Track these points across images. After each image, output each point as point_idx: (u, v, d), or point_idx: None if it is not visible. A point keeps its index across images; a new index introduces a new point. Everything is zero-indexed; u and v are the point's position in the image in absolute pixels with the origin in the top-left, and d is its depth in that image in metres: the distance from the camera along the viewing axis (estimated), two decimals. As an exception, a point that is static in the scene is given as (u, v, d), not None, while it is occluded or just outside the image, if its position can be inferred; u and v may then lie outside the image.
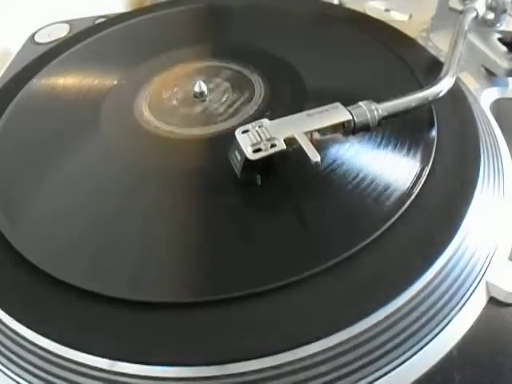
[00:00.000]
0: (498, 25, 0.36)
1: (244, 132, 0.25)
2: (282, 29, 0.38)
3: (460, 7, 0.36)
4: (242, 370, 0.20)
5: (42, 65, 0.37)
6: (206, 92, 0.32)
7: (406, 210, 0.24)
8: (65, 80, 0.36)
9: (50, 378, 0.22)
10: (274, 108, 0.30)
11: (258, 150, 0.24)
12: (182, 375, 0.20)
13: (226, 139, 0.26)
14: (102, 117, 0.32)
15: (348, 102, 0.26)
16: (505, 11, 0.36)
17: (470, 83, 0.35)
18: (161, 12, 0.42)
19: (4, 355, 0.23)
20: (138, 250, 0.25)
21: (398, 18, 0.44)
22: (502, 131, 0.31)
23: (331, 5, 0.44)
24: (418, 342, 0.22)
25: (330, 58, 0.35)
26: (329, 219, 0.24)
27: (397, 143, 0.27)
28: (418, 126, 0.28)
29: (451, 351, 0.22)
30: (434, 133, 0.28)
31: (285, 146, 0.24)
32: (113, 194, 0.28)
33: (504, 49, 0.35)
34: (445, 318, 0.22)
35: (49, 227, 0.26)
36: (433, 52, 0.35)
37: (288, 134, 0.25)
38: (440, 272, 0.23)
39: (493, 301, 0.24)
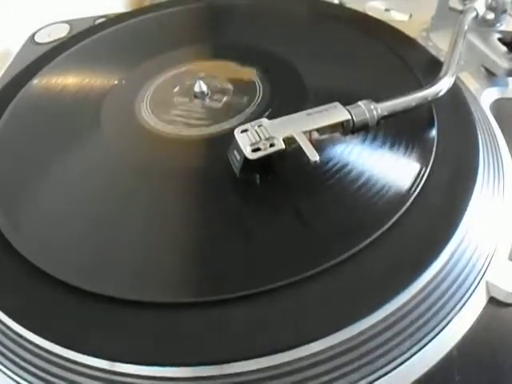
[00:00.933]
0: (498, 25, 0.36)
1: (243, 131, 0.25)
2: (282, 28, 0.38)
3: (460, 7, 0.36)
4: (241, 370, 0.20)
5: (42, 65, 0.37)
6: (206, 92, 0.32)
7: (405, 210, 0.24)
8: (65, 80, 0.36)
9: (49, 377, 0.22)
10: (274, 108, 0.30)
11: (257, 150, 0.24)
12: (181, 375, 0.20)
13: (226, 139, 0.26)
14: (102, 117, 0.32)
15: (348, 101, 0.26)
16: (505, 11, 0.36)
17: (470, 83, 0.35)
18: (161, 12, 0.42)
19: (4, 355, 0.23)
20: (137, 250, 0.25)
21: (398, 17, 0.44)
22: (502, 131, 0.31)
23: (331, 4, 0.44)
24: (417, 342, 0.22)
25: (330, 57, 0.35)
26: (328, 219, 0.24)
27: (397, 143, 0.27)
28: (418, 125, 0.28)
29: (451, 351, 0.22)
30: (433, 133, 0.28)
31: (284, 146, 0.24)
32: (113, 193, 0.28)
33: (504, 49, 0.35)
34: (445, 317, 0.22)
35: (49, 227, 0.26)
36: (433, 52, 0.35)
37: (287, 134, 0.25)
38: (440, 272, 0.23)
39: (493, 301, 0.24)
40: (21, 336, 0.22)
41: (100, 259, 0.24)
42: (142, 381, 0.21)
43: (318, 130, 0.25)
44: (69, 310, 0.22)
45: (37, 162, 0.30)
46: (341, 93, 0.29)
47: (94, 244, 0.25)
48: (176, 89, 0.33)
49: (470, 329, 0.23)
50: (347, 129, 0.26)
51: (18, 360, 0.23)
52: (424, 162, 0.26)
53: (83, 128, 0.31)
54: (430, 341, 0.22)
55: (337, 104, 0.26)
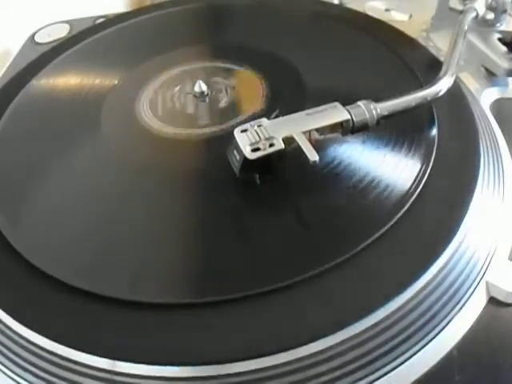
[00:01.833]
0: (498, 25, 0.36)
1: (243, 131, 0.25)
2: (282, 28, 0.38)
3: (460, 7, 0.36)
4: (241, 370, 0.20)
5: (42, 65, 0.37)
6: (206, 92, 0.32)
7: (405, 210, 0.24)
8: (65, 80, 0.36)
9: (50, 377, 0.22)
10: (274, 108, 0.30)
11: (256, 150, 0.24)
12: (181, 375, 0.20)
13: (226, 139, 0.26)
14: (102, 117, 0.32)
15: (348, 101, 0.26)
16: (505, 11, 0.36)
17: (470, 83, 0.35)
18: (161, 12, 0.42)
19: (4, 355, 0.23)
20: (137, 250, 0.25)
21: (398, 17, 0.44)
22: (502, 131, 0.31)
23: (331, 5, 0.44)
24: (417, 342, 0.22)
25: (331, 57, 0.35)
26: (328, 219, 0.24)
27: (397, 143, 0.27)
28: (418, 126, 0.28)
29: (451, 351, 0.22)
30: (434, 133, 0.28)
31: (283, 146, 0.24)
32: (113, 193, 0.28)
33: (504, 49, 0.35)
34: (445, 317, 0.22)
35: (49, 227, 0.26)
36: (433, 52, 0.35)
37: (286, 134, 0.25)
38: (440, 272, 0.23)
39: (493, 301, 0.24)
40: (21, 336, 0.22)
41: (100, 259, 0.24)
42: (141, 381, 0.21)
43: (317, 130, 0.25)
44: (69, 309, 0.22)
45: (36, 162, 0.30)
46: (341, 93, 0.29)
47: (94, 244, 0.25)
48: (176, 89, 0.33)
49: (470, 329, 0.23)
50: (347, 129, 0.26)
51: (18, 360, 0.23)
52: (424, 162, 0.26)
53: (83, 128, 0.31)
54: (430, 341, 0.22)
55: (336, 104, 0.26)
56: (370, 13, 0.42)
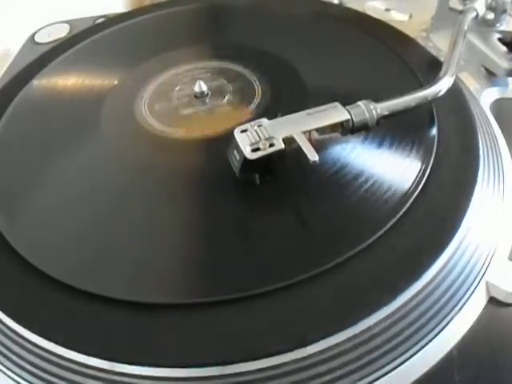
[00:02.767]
0: (498, 25, 0.36)
1: (243, 131, 0.25)
2: (282, 29, 0.38)
3: (460, 7, 0.36)
4: (241, 370, 0.20)
5: (42, 65, 0.37)
6: (206, 92, 0.32)
7: (405, 210, 0.24)
8: (65, 80, 0.36)
9: (50, 378, 0.22)
10: (274, 108, 0.30)
11: (256, 150, 0.24)
12: (182, 375, 0.20)
13: (226, 139, 0.26)
14: (102, 117, 0.32)
15: (349, 101, 0.26)
16: (505, 11, 0.36)
17: (470, 83, 0.35)
18: (160, 12, 0.42)
19: (4, 355, 0.23)
20: (137, 250, 0.25)
21: (398, 17, 0.44)
22: (502, 131, 0.31)
23: (331, 4, 0.44)
24: (418, 342, 0.22)
25: (331, 57, 0.35)
26: (328, 219, 0.24)
27: (397, 143, 0.27)
28: (418, 126, 0.28)
29: (451, 351, 0.22)
30: (434, 133, 0.28)
31: (283, 146, 0.24)
32: (112, 193, 0.28)
33: (504, 49, 0.35)
34: (445, 317, 0.22)
35: (48, 227, 0.26)
36: (433, 52, 0.35)
37: (286, 134, 0.25)
38: (440, 272, 0.23)
39: (493, 301, 0.24)
40: (20, 336, 0.22)
41: (100, 259, 0.24)
42: (142, 381, 0.21)
43: (317, 130, 0.25)
44: (68, 309, 0.22)
45: (36, 162, 0.30)
46: (341, 93, 0.29)
47: (93, 244, 0.25)
48: (176, 89, 0.33)
49: (470, 329, 0.23)
50: (347, 129, 0.26)
51: (18, 360, 0.23)
52: (424, 162, 0.26)
53: (83, 128, 0.31)
54: (430, 341, 0.22)
55: (336, 104, 0.26)
56: (369, 13, 0.42)
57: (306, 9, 0.39)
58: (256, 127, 0.25)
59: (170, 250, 0.25)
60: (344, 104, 0.26)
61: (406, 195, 0.25)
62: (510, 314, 0.23)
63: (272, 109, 0.30)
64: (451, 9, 0.37)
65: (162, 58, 0.36)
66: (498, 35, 0.36)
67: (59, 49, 0.39)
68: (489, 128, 0.30)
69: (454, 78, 0.29)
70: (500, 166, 0.28)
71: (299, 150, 0.24)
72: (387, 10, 0.45)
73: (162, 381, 0.21)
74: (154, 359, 0.21)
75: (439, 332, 0.22)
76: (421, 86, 0.29)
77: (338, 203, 0.25)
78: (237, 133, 0.25)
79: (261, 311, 0.21)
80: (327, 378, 0.20)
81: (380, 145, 0.27)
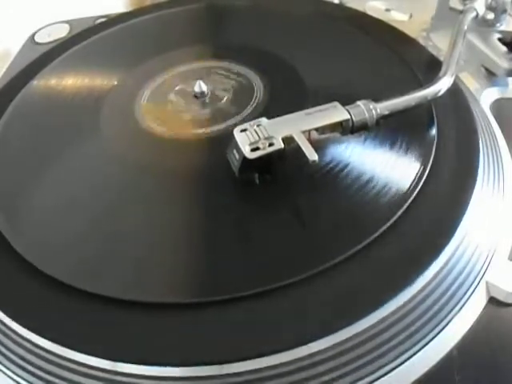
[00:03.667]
0: (498, 25, 0.36)
1: (242, 131, 0.25)
2: (282, 28, 0.38)
3: (460, 7, 0.36)
4: (241, 370, 0.20)
5: (42, 65, 0.37)
6: (206, 92, 0.32)
7: (405, 210, 0.24)
8: (65, 80, 0.36)
9: (50, 378, 0.22)
10: (274, 107, 0.30)
11: (256, 149, 0.24)
12: (181, 375, 0.20)
13: (226, 139, 0.26)
14: (102, 117, 0.32)
15: (349, 101, 0.26)
16: (505, 11, 0.36)
17: (470, 83, 0.35)
18: (161, 12, 0.42)
19: (4, 355, 0.23)
20: (137, 250, 0.25)
21: (398, 17, 0.44)
22: (502, 131, 0.31)
23: (332, 4, 0.44)
24: (417, 342, 0.22)
25: (331, 57, 0.35)
26: (328, 219, 0.24)
27: (397, 143, 0.27)
28: (418, 126, 0.28)
29: (451, 351, 0.22)
30: (433, 133, 0.28)
31: (283, 145, 0.24)
32: (112, 194, 0.28)
33: (504, 49, 0.35)
34: (445, 317, 0.22)
35: (48, 227, 0.26)
36: (433, 52, 0.35)
37: (286, 133, 0.25)
38: (440, 272, 0.23)
39: (493, 301, 0.24)
40: (21, 336, 0.22)
41: (100, 259, 0.24)
42: (142, 381, 0.21)
43: (317, 129, 0.25)
44: (69, 309, 0.22)
45: (36, 162, 0.30)
46: (340, 93, 0.29)
47: (94, 244, 0.25)
48: (176, 89, 0.33)
49: (470, 329, 0.23)
50: (346, 128, 0.26)
51: (18, 360, 0.23)
52: (424, 161, 0.26)
53: (83, 128, 0.31)
54: (430, 341, 0.22)
55: (336, 104, 0.26)
56: (370, 13, 0.42)
57: (306, 9, 0.39)
58: (255, 127, 0.25)
59: (170, 250, 0.25)
60: (344, 104, 0.26)
61: (406, 195, 0.25)
62: (510, 314, 0.23)
63: (272, 109, 0.30)
64: (451, 9, 0.37)
65: (161, 58, 0.36)
66: (498, 35, 0.36)
67: (59, 49, 0.39)
68: (489, 128, 0.30)
69: (453, 77, 0.29)
70: (500, 166, 0.28)
71: (299, 149, 0.24)
72: (387, 9, 0.45)
73: (162, 380, 0.21)
74: (154, 359, 0.20)
75: (439, 332, 0.22)
76: (421, 85, 0.29)
77: (337, 203, 0.25)
78: (236, 132, 0.25)
79: (260, 310, 0.21)
80: (327, 377, 0.20)
81: (380, 145, 0.27)
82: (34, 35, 0.48)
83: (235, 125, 0.26)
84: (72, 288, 0.23)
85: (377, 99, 0.27)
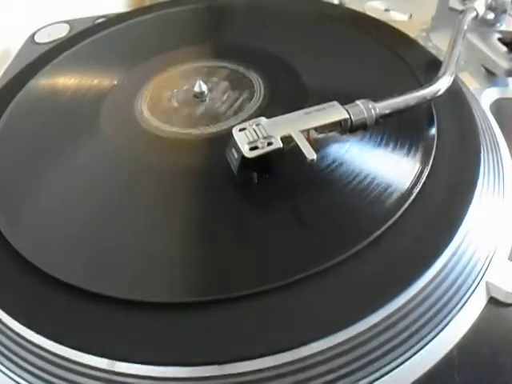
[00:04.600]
0: (498, 25, 0.36)
1: (241, 130, 0.25)
2: (282, 28, 0.38)
3: (460, 7, 0.36)
4: (241, 370, 0.20)
5: (41, 65, 0.37)
6: (205, 92, 0.32)
7: (405, 210, 0.24)
8: (65, 80, 0.36)
9: (49, 378, 0.22)
10: (274, 107, 0.30)
11: (254, 148, 0.24)
12: (181, 375, 0.20)
13: (225, 139, 0.26)
14: (101, 117, 0.32)
15: (348, 101, 0.26)
16: (505, 11, 0.36)
17: (470, 83, 0.35)
18: (161, 12, 0.42)
19: (4, 355, 0.23)
20: (137, 249, 0.25)
21: (398, 17, 0.44)
22: (502, 131, 0.31)
23: (331, 5, 0.44)
24: (417, 342, 0.22)
25: (330, 57, 0.35)
26: (327, 219, 0.24)
27: (396, 143, 0.27)
28: (418, 125, 0.28)
29: (451, 351, 0.22)
30: (433, 133, 0.28)
31: (281, 144, 0.24)
32: (113, 193, 0.28)
33: (504, 49, 0.35)
34: (445, 318, 0.22)
35: (48, 227, 0.26)
36: (433, 52, 0.35)
37: (285, 133, 0.25)
38: (440, 272, 0.23)
39: (493, 301, 0.24)
40: (20, 336, 0.22)
41: (100, 259, 0.24)
42: (142, 381, 0.21)
43: (315, 128, 0.25)
44: (68, 309, 0.22)
45: (36, 162, 0.30)
46: (340, 93, 0.29)
47: (94, 244, 0.25)
48: (176, 89, 0.33)
49: (470, 329, 0.23)
50: (345, 128, 0.26)
51: (17, 360, 0.23)
52: (424, 161, 0.26)
53: (83, 128, 0.31)
54: (430, 341, 0.22)
55: (335, 103, 0.26)
56: (369, 13, 0.42)
57: (306, 9, 0.39)
58: (254, 126, 0.25)
59: (170, 249, 0.25)
60: (343, 104, 0.26)
61: (406, 195, 0.25)
62: (510, 314, 0.23)
63: (271, 108, 0.30)
64: (451, 9, 0.37)
65: (161, 57, 0.36)
66: (498, 35, 0.36)
67: (59, 49, 0.39)
68: (489, 128, 0.30)
69: (453, 77, 0.29)
70: (500, 166, 0.28)
71: (297, 148, 0.24)
72: (387, 10, 0.45)
73: (162, 381, 0.21)
74: (154, 358, 0.20)
75: (439, 332, 0.22)
76: (421, 85, 0.29)
77: (336, 203, 0.25)
78: (235, 131, 0.25)
79: (260, 310, 0.21)
80: (327, 378, 0.20)
81: (379, 144, 0.27)
82: (33, 35, 0.48)
83: (235, 125, 0.26)
84: (72, 287, 0.23)
85: (376, 99, 0.27)
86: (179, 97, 0.32)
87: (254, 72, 0.33)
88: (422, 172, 0.26)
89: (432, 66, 0.32)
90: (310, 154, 0.24)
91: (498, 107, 0.34)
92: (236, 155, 0.25)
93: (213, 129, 0.30)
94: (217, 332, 0.21)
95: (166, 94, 0.33)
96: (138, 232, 0.25)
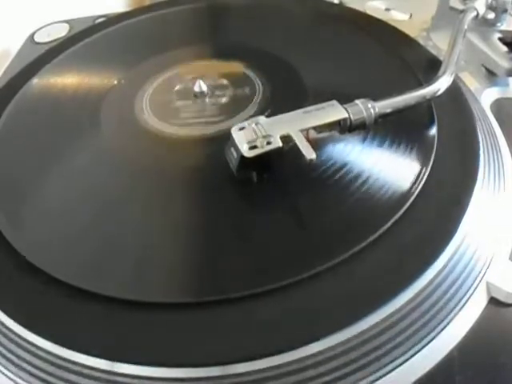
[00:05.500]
0: (499, 24, 0.36)
1: (240, 129, 0.25)
2: (282, 28, 0.38)
3: (460, 6, 0.36)
4: (242, 370, 0.20)
5: (41, 65, 0.37)
6: (205, 91, 0.32)
7: (405, 209, 0.24)
8: (65, 80, 0.36)
9: (49, 378, 0.22)
10: (274, 107, 0.30)
11: (254, 148, 0.24)
12: (182, 375, 0.20)
13: (225, 138, 0.26)
14: (101, 117, 0.32)
15: (348, 101, 0.26)
16: (505, 11, 0.36)
17: (470, 83, 0.35)
18: (161, 12, 0.42)
19: (3, 356, 0.23)
20: (137, 249, 0.25)
21: (398, 17, 0.44)
22: (502, 131, 0.31)
23: (331, 4, 0.44)
24: (418, 343, 0.22)
25: (330, 57, 0.35)
26: (327, 218, 0.24)
27: (397, 142, 0.27)
28: (418, 125, 0.28)
29: (451, 351, 0.22)
30: (434, 132, 0.28)
31: (280, 144, 0.24)
32: (113, 193, 0.28)
33: (504, 48, 0.35)
34: (445, 318, 0.22)
35: (48, 227, 0.26)
36: (433, 51, 0.35)
37: (284, 132, 0.25)
38: (440, 272, 0.23)
39: (493, 301, 0.24)
40: (20, 336, 0.22)
41: (99, 259, 0.24)
42: (141, 381, 0.21)
43: (315, 128, 0.25)
44: (68, 309, 0.22)
45: (36, 162, 0.30)
46: (340, 92, 0.29)
47: (93, 243, 0.25)
48: (176, 88, 0.33)
49: (471, 329, 0.23)
50: (344, 127, 0.26)
51: (17, 360, 0.22)
52: (424, 161, 0.26)
53: (83, 128, 0.31)
54: (430, 341, 0.22)
55: (334, 102, 0.26)
56: (370, 12, 0.42)
57: (306, 9, 0.39)
58: (253, 125, 0.25)
59: (170, 249, 0.25)
60: (343, 103, 0.26)
61: (406, 195, 0.25)
62: (510, 314, 0.23)
63: (271, 108, 0.30)
64: (451, 8, 0.37)
65: (161, 57, 0.36)
66: (498, 35, 0.36)
67: (59, 48, 0.39)
68: (489, 128, 0.30)
69: (452, 77, 0.29)
70: (500, 166, 0.28)
71: (296, 148, 0.24)
72: (387, 9, 0.45)
73: (163, 381, 0.21)
74: (154, 359, 0.20)
75: (439, 332, 0.22)
76: (420, 85, 0.29)
77: (336, 203, 0.25)
78: (234, 131, 0.25)
79: (261, 310, 0.21)
80: (327, 378, 0.20)
81: (379, 144, 0.27)
82: (33, 35, 0.48)
83: (234, 124, 0.26)
84: (72, 287, 0.23)
85: (376, 99, 0.27)
86: (179, 96, 0.32)
87: (254, 71, 0.33)
88: (422, 172, 0.26)
89: (432, 66, 0.32)
90: (310, 153, 0.24)
91: (499, 107, 0.34)
92: (235, 154, 0.25)
93: (212, 128, 0.30)
94: (217, 332, 0.21)
95: (165, 94, 0.33)
96: (138, 232, 0.25)
